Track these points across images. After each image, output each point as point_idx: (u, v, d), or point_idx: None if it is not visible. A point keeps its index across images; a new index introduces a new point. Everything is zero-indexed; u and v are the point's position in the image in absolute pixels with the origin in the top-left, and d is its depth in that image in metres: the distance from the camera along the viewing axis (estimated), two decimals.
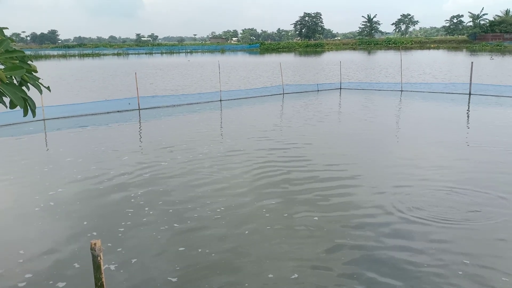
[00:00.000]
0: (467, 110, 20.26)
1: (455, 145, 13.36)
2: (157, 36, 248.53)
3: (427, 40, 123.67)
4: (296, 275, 6.14)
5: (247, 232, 7.53)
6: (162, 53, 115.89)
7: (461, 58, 65.11)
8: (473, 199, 8.79)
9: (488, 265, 6.31)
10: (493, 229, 7.47)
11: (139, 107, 21.32)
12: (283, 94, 26.82)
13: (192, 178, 10.54)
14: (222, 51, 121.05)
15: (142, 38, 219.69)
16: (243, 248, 6.95)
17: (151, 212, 8.42)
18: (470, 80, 24.70)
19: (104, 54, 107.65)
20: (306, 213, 8.25)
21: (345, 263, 6.42)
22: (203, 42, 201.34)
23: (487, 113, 19.37)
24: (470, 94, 24.15)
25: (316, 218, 8.01)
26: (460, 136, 14.71)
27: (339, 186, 9.72)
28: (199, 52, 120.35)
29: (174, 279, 6.09)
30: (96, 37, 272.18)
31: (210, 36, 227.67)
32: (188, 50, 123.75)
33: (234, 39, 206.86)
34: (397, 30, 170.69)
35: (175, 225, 7.86)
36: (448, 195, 9.06)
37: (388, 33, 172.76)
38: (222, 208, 8.54)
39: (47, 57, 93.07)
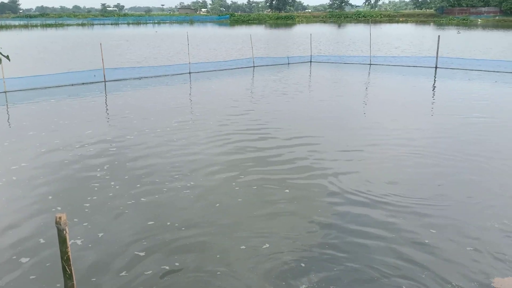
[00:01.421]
0: (433, 83, 20.61)
1: (420, 114, 13.63)
2: (123, 6, 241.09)
3: (396, 14, 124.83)
4: (267, 245, 6.19)
5: (218, 204, 7.51)
6: (128, 23, 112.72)
7: (429, 31, 65.95)
8: (435, 161, 9.04)
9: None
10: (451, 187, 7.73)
11: (104, 79, 20.73)
12: (254, 67, 26.60)
13: (159, 151, 10.40)
14: (191, 22, 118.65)
15: (108, 8, 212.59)
16: (212, 221, 6.94)
17: (117, 187, 8.28)
18: (437, 54, 25.08)
19: (68, 25, 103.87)
20: (271, 182, 8.30)
21: (313, 231, 6.51)
22: (171, 12, 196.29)
23: (452, 85, 19.72)
24: (436, 67, 24.57)
25: (287, 191, 8.06)
26: (424, 107, 15.00)
27: (305, 155, 9.80)
28: (167, 23, 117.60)
29: (142, 253, 6.03)
30: (59, 7, 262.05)
31: (178, 7, 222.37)
32: (156, 21, 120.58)
33: (203, 10, 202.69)
34: (367, 3, 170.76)
35: (142, 199, 7.75)
36: (409, 158, 9.30)
37: (358, 6, 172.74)
38: (192, 182, 8.47)
39: (7, 27, 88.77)
